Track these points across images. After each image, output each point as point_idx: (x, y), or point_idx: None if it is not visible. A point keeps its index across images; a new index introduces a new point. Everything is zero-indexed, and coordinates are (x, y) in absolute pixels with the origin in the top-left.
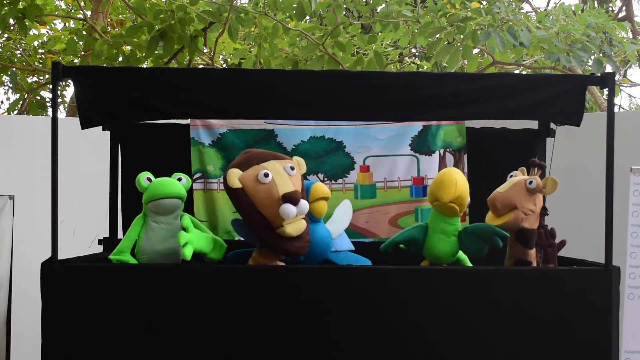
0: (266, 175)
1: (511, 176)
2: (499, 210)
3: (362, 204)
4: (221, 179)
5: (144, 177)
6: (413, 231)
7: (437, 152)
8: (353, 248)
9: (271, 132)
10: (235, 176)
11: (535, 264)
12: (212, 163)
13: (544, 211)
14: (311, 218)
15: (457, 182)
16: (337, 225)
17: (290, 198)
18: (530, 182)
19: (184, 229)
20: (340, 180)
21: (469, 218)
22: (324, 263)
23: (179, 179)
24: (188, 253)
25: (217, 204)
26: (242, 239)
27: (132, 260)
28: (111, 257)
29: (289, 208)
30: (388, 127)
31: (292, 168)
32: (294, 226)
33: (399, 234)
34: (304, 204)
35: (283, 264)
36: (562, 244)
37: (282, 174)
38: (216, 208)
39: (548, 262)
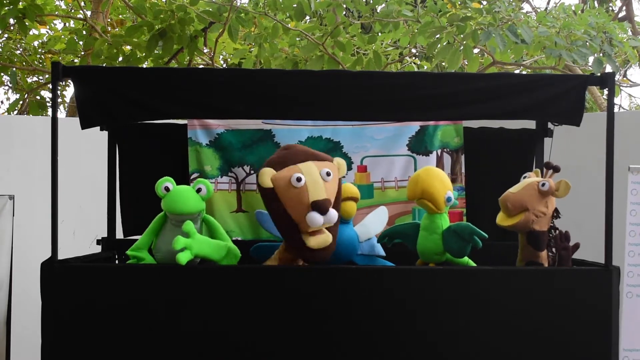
0: (299, 179)
1: (525, 177)
2: (510, 211)
3: (359, 204)
4: (219, 179)
5: (162, 186)
6: (406, 226)
7: (434, 153)
8: (383, 254)
9: (269, 132)
10: (267, 176)
11: (546, 266)
12: (209, 163)
13: (555, 214)
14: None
15: (419, 178)
16: (367, 228)
17: (319, 206)
18: (543, 185)
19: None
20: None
21: (466, 218)
22: (349, 265)
23: (199, 190)
24: (183, 258)
25: (214, 204)
26: (239, 238)
27: (148, 257)
28: (128, 252)
29: (315, 217)
30: (385, 127)
31: (329, 174)
32: (318, 240)
33: (393, 227)
34: (332, 213)
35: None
36: (576, 247)
37: (317, 179)
38: (213, 208)
39: (562, 265)
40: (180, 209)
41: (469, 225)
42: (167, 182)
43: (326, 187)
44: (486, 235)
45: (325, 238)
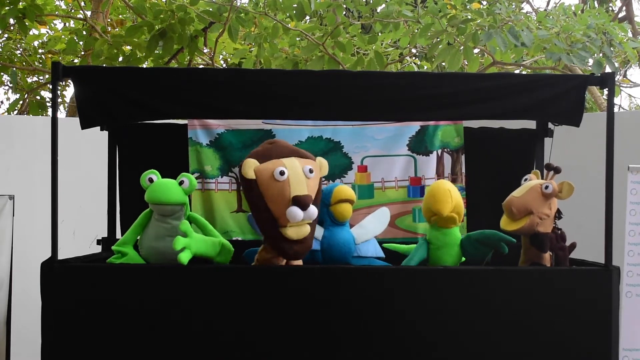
0: (282, 173)
1: (526, 179)
2: (515, 215)
3: (359, 204)
4: (219, 179)
5: (146, 177)
6: (420, 253)
7: (434, 153)
8: (382, 255)
9: (269, 132)
10: (250, 167)
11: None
12: (209, 163)
13: (558, 214)
14: (334, 221)
15: (451, 192)
16: (365, 230)
17: (300, 202)
18: (547, 187)
19: (184, 234)
20: (338, 181)
21: (466, 218)
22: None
23: (181, 182)
24: (184, 258)
25: (214, 204)
26: (239, 238)
27: (132, 252)
28: (113, 247)
29: (296, 211)
30: (386, 127)
31: (311, 171)
32: (296, 230)
33: (408, 260)
34: (312, 210)
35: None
36: (573, 246)
37: (299, 175)
38: (214, 208)
39: (560, 266)
40: (162, 199)
41: (496, 232)
42: (152, 174)
43: (308, 184)
44: (514, 240)
45: (304, 228)
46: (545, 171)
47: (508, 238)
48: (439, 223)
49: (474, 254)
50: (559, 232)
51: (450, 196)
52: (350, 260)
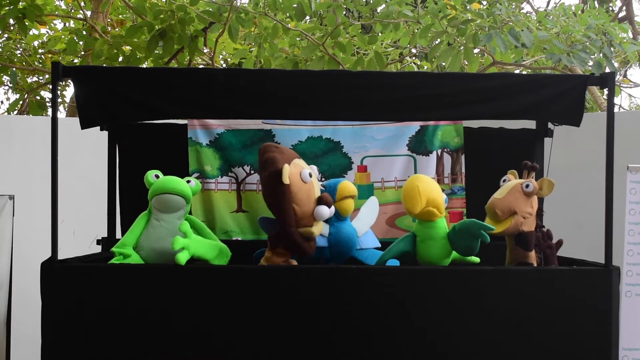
0: (310, 175)
1: (504, 180)
2: (499, 217)
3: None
4: (219, 179)
5: (152, 174)
6: (401, 245)
7: (434, 153)
8: (379, 245)
9: (269, 132)
10: (287, 173)
11: (535, 266)
12: (209, 163)
13: (540, 212)
14: (338, 217)
15: (419, 189)
16: (363, 223)
17: (327, 201)
18: (527, 186)
19: (183, 234)
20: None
21: (466, 218)
22: (350, 261)
23: (188, 182)
24: (182, 258)
25: (214, 204)
26: (239, 238)
27: (133, 254)
28: (113, 249)
29: (325, 210)
30: (385, 127)
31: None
32: (319, 227)
33: (388, 251)
34: (333, 208)
35: (295, 262)
36: (559, 243)
37: (314, 176)
38: (214, 208)
39: (549, 264)
40: (171, 188)
41: (474, 221)
42: (157, 172)
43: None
44: (493, 228)
45: (321, 226)
46: (523, 171)
47: (488, 226)
48: (419, 217)
49: (461, 246)
50: (544, 230)
51: (419, 194)
52: (355, 253)
